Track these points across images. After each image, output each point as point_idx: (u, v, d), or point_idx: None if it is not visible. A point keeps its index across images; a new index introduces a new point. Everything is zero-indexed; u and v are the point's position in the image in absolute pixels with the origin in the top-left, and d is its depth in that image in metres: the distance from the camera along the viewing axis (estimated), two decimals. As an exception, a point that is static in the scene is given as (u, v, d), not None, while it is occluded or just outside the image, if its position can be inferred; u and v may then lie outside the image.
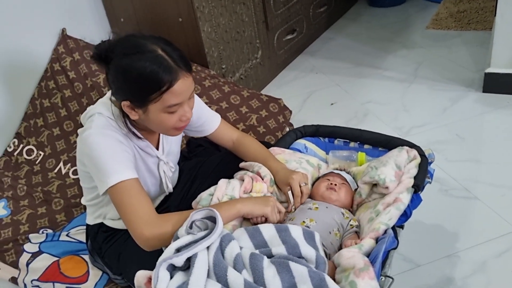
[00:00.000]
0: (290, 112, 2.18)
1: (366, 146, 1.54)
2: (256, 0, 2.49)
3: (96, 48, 1.14)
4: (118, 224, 1.38)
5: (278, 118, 2.08)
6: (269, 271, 0.96)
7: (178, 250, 1.01)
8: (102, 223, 1.41)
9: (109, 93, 1.27)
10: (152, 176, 1.37)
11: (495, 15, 2.23)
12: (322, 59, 3.07)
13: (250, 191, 1.31)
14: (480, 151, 1.97)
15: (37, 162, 2.03)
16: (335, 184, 1.33)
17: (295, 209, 1.30)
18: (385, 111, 2.36)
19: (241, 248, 1.03)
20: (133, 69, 1.09)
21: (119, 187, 1.13)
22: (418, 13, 3.55)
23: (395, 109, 2.37)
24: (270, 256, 1.04)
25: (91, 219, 1.44)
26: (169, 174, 1.41)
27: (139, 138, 1.26)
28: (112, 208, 1.33)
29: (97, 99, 2.00)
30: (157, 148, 1.36)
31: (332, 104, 2.52)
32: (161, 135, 1.37)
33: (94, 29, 2.36)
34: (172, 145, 1.42)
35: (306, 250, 1.02)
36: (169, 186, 1.43)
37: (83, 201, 1.45)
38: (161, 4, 2.17)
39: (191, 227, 1.07)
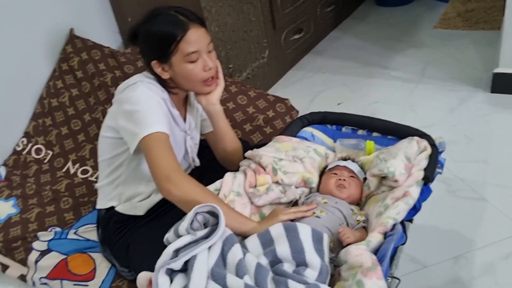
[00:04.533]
0: (297, 112, 2.17)
1: (374, 134, 1.50)
2: (263, -1, 2.49)
3: (128, 32, 1.36)
4: (131, 209, 1.41)
5: (285, 119, 2.07)
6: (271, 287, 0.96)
7: (177, 250, 1.01)
8: (114, 213, 1.42)
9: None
10: (177, 148, 1.39)
11: (503, 15, 2.21)
12: (329, 58, 3.07)
13: (255, 186, 1.30)
14: (488, 152, 1.96)
15: (45, 161, 2.04)
16: (344, 180, 1.30)
17: (302, 203, 1.29)
18: (392, 111, 2.35)
19: (244, 252, 1.03)
20: (152, 30, 1.29)
21: (153, 137, 1.22)
22: (425, 13, 3.54)
23: (402, 109, 2.36)
24: (274, 259, 1.03)
25: (103, 203, 1.46)
26: (195, 149, 1.51)
27: (173, 106, 1.37)
28: (130, 187, 1.40)
29: (104, 99, 2.04)
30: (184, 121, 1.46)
31: (339, 104, 2.51)
32: (188, 110, 1.48)
33: (102, 29, 2.37)
34: (192, 124, 1.50)
35: (311, 257, 1.01)
36: (196, 160, 1.53)
37: (98, 184, 1.48)
38: (168, 4, 2.17)
39: (192, 222, 1.05)
